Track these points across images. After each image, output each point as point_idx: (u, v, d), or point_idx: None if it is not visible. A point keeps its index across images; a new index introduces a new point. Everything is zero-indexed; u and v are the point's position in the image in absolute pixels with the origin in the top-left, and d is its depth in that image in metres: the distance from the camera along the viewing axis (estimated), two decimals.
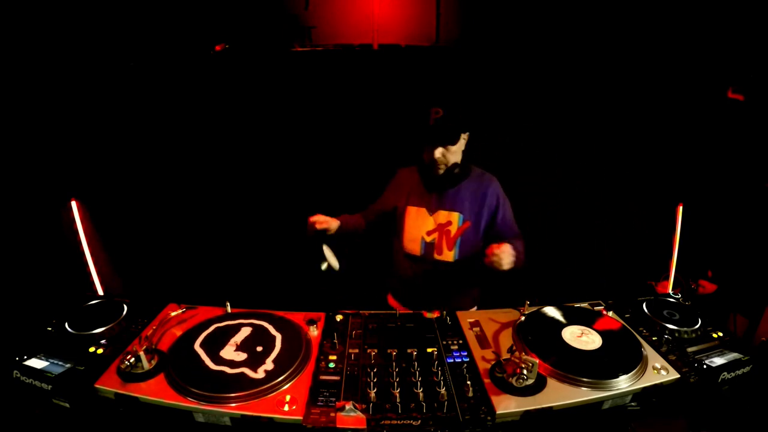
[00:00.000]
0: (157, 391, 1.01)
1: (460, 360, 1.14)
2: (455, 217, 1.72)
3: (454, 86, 2.61)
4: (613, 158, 2.56)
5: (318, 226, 1.58)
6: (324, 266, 1.51)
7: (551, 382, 1.06)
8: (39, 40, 1.97)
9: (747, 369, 1.17)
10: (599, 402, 1.04)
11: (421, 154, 1.73)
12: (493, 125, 2.55)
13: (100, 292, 1.65)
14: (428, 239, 1.74)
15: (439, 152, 1.63)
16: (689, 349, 1.20)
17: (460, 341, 1.22)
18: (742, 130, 2.15)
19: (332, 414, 0.95)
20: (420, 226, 1.75)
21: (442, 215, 1.73)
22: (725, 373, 1.14)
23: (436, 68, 2.67)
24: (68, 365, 1.09)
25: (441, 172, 1.69)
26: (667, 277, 1.73)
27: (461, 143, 1.68)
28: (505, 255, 1.43)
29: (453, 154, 1.67)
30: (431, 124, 1.62)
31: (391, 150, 2.25)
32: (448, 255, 1.71)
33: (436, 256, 1.72)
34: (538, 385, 1.04)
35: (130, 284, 2.06)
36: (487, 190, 1.75)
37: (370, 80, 2.59)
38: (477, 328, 1.28)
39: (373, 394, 1.01)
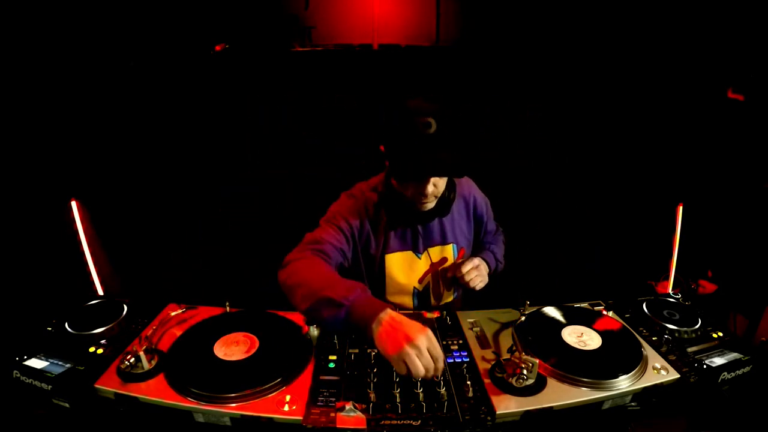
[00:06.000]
0: (157, 391, 1.01)
1: (460, 360, 1.14)
2: (449, 250, 1.38)
3: (451, 86, 2.60)
4: (613, 158, 2.56)
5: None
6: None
7: (551, 382, 1.06)
8: (39, 40, 1.97)
9: (747, 369, 1.17)
10: (599, 402, 1.04)
11: (386, 180, 1.29)
12: (493, 125, 2.55)
13: (100, 292, 1.65)
14: (421, 287, 1.38)
15: (431, 186, 1.17)
16: (689, 349, 1.20)
17: (460, 341, 1.22)
18: (742, 130, 2.15)
19: (332, 414, 0.95)
20: (409, 274, 1.36)
21: (435, 252, 1.36)
22: (725, 373, 1.14)
23: (436, 68, 2.66)
24: (68, 365, 1.09)
25: (430, 206, 1.27)
26: (667, 277, 1.73)
27: None
28: (477, 276, 1.28)
29: (445, 179, 1.23)
30: (420, 141, 1.08)
31: None
32: (447, 296, 1.43)
33: (434, 303, 1.41)
34: (538, 385, 1.04)
35: (130, 284, 2.05)
36: (471, 199, 1.42)
37: (370, 80, 2.59)
38: (477, 328, 1.28)
39: (373, 394, 1.01)
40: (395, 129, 1.12)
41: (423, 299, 1.41)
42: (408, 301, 1.40)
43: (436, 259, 1.38)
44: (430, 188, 1.17)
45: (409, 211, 1.28)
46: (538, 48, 2.61)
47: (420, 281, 1.39)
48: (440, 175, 1.17)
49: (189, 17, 2.54)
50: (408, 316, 1.31)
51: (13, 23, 1.89)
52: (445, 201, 1.29)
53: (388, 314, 0.96)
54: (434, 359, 0.94)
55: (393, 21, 2.80)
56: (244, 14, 2.72)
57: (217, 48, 2.67)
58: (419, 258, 1.36)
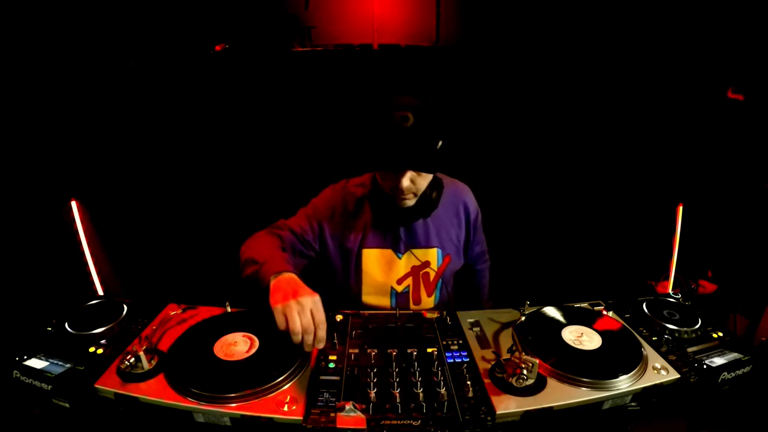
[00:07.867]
0: (156, 391, 1.01)
1: (460, 360, 1.14)
2: (433, 254, 1.36)
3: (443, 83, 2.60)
4: (613, 158, 2.56)
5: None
6: None
7: (551, 383, 1.06)
8: (39, 40, 1.97)
9: (747, 369, 1.17)
10: (599, 402, 1.04)
11: (371, 174, 1.32)
12: (491, 125, 2.55)
13: (100, 292, 1.65)
14: (400, 288, 1.35)
15: (407, 180, 1.17)
16: (689, 349, 1.20)
17: (460, 341, 1.22)
18: (742, 130, 2.15)
19: (332, 414, 0.95)
20: (387, 273, 1.34)
21: (417, 255, 1.35)
22: (725, 373, 1.14)
23: (436, 68, 2.65)
24: (68, 365, 1.08)
25: (410, 203, 1.25)
26: (667, 277, 1.73)
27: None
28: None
29: (425, 177, 1.22)
30: (395, 133, 1.10)
31: None
32: (428, 302, 1.39)
33: (413, 307, 1.38)
34: (538, 386, 1.04)
35: (130, 284, 2.06)
36: (462, 206, 1.41)
37: (370, 80, 2.59)
38: (477, 328, 1.28)
39: (373, 394, 1.01)
40: (374, 120, 1.15)
41: (402, 302, 1.39)
42: (386, 301, 1.39)
43: (418, 261, 1.37)
44: (405, 182, 1.16)
45: (391, 207, 1.27)
46: (539, 48, 2.61)
47: (399, 282, 1.37)
48: (411, 168, 1.16)
49: (189, 17, 2.55)
50: (409, 316, 1.32)
51: (14, 23, 1.89)
52: (428, 201, 1.27)
53: (289, 274, 1.07)
54: (316, 324, 1.00)
55: (393, 21, 2.80)
56: (244, 14, 2.72)
57: (217, 48, 2.67)
58: (399, 258, 1.36)
